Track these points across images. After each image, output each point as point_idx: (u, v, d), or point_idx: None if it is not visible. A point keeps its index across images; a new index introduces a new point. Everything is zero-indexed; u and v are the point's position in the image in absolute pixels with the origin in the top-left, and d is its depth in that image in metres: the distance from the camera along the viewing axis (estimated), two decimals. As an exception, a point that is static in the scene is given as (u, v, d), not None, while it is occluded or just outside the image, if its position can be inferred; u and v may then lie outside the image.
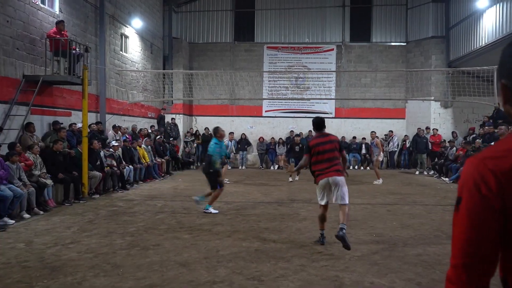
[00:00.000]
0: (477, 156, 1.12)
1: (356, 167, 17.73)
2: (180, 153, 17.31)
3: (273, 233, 6.31)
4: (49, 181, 8.24)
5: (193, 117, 19.82)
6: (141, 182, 12.21)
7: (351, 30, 19.42)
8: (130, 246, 5.54)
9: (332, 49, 19.33)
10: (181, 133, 18.07)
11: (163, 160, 14.34)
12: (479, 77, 13.92)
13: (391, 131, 17.81)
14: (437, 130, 16.73)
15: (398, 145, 17.86)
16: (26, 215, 7.33)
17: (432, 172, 15.48)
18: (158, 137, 15.07)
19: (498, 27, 13.37)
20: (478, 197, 1.08)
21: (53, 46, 9.67)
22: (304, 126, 18.75)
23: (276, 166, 17.97)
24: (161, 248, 5.42)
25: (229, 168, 13.98)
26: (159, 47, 18.24)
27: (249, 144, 18.65)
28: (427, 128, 16.94)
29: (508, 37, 12.68)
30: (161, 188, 11.29)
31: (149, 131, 15.18)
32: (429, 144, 16.24)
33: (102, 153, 10.57)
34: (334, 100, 19.06)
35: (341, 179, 5.41)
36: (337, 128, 18.31)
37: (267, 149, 18.37)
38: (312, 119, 5.85)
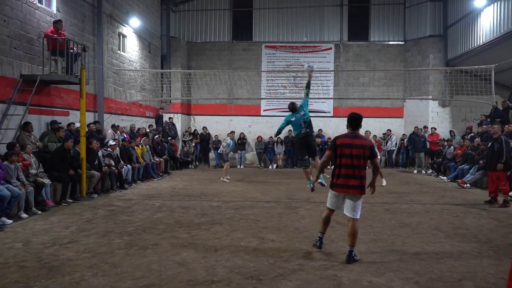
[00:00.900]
0: None
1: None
2: (178, 153, 17.30)
3: (272, 232, 6.31)
4: (46, 181, 8.22)
5: (191, 116, 19.82)
6: (139, 182, 12.20)
7: (349, 29, 19.42)
8: (128, 245, 5.53)
9: (330, 48, 19.34)
10: (179, 133, 18.07)
11: (161, 159, 14.33)
12: (477, 76, 13.94)
13: (389, 130, 17.86)
14: (435, 129, 16.76)
15: (396, 144, 17.90)
16: (24, 215, 7.31)
17: (430, 171, 15.51)
18: (157, 136, 15.05)
19: (495, 26, 13.39)
20: None
21: (50, 46, 9.65)
22: (303, 125, 18.76)
23: (275, 165, 17.98)
24: (159, 248, 5.42)
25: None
26: (157, 46, 18.22)
27: (245, 143, 18.66)
28: (425, 127, 16.97)
29: (505, 36, 12.71)
30: (159, 188, 11.28)
31: (147, 130, 15.17)
32: (427, 143, 16.28)
33: (100, 153, 10.56)
34: (332, 99, 19.09)
35: (358, 197, 4.90)
36: (335, 127, 18.35)
37: (266, 148, 18.38)
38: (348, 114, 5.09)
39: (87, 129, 10.46)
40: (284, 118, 9.44)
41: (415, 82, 16.68)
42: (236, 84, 18.60)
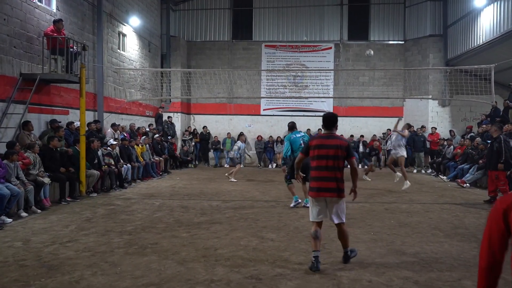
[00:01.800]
0: None
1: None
2: (178, 152, 17.30)
3: (271, 231, 6.31)
4: (46, 180, 8.21)
5: (191, 115, 19.81)
6: (139, 181, 12.20)
7: (349, 28, 19.42)
8: (128, 244, 5.53)
9: (330, 48, 19.34)
10: (178, 132, 18.06)
11: (161, 158, 14.32)
12: (476, 76, 13.94)
13: (389, 130, 17.83)
14: (435, 128, 16.77)
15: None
16: (24, 214, 7.31)
17: (429, 170, 15.52)
18: (157, 135, 15.04)
19: (495, 25, 13.39)
20: None
21: (50, 44, 9.64)
22: (302, 125, 18.70)
23: (274, 165, 17.98)
24: (159, 247, 5.42)
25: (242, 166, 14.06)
26: (157, 45, 18.20)
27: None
28: (423, 126, 16.97)
29: (505, 36, 12.71)
30: (159, 187, 11.28)
31: (147, 129, 15.17)
32: (427, 142, 16.29)
33: (100, 152, 10.55)
34: (332, 99, 19.09)
35: (338, 201, 4.56)
36: (335, 126, 18.32)
37: (265, 148, 18.38)
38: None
39: (87, 128, 10.46)
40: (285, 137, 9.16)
41: (415, 81, 16.69)
42: (236, 83, 18.60)
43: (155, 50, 17.99)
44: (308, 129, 18.11)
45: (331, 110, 19.18)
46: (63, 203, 8.57)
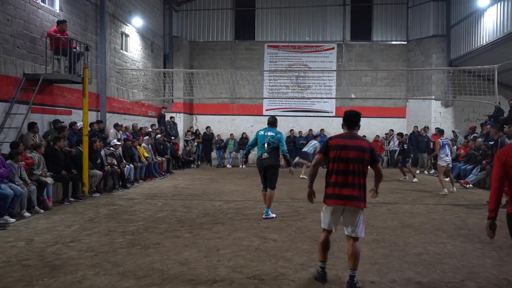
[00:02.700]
0: None
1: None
2: (180, 152, 17.32)
3: (274, 232, 6.31)
4: (49, 180, 8.23)
5: (194, 116, 19.83)
6: (141, 181, 12.22)
7: (351, 28, 19.40)
8: (130, 244, 5.53)
9: (333, 48, 19.32)
10: (181, 132, 18.08)
11: (163, 158, 14.34)
12: (480, 76, 13.91)
13: (392, 130, 17.80)
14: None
15: (398, 144, 17.81)
16: (27, 214, 7.33)
17: (432, 171, 15.46)
18: (159, 135, 15.06)
19: (499, 26, 13.35)
20: None
21: (53, 45, 9.66)
22: (305, 125, 18.78)
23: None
24: (161, 247, 5.42)
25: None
26: (159, 45, 18.23)
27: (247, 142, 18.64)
28: (426, 127, 16.92)
29: (509, 36, 12.67)
30: (161, 187, 11.29)
31: (150, 129, 15.19)
32: (431, 143, 16.22)
33: (102, 152, 10.57)
34: (334, 99, 19.06)
35: (358, 211, 4.02)
36: (337, 127, 18.27)
37: (267, 148, 18.31)
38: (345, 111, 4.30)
39: (89, 129, 10.48)
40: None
41: (418, 82, 16.65)
42: (238, 83, 18.60)
43: (157, 50, 18.02)
44: (310, 130, 18.11)
45: (334, 111, 19.18)
46: (66, 203, 8.60)
